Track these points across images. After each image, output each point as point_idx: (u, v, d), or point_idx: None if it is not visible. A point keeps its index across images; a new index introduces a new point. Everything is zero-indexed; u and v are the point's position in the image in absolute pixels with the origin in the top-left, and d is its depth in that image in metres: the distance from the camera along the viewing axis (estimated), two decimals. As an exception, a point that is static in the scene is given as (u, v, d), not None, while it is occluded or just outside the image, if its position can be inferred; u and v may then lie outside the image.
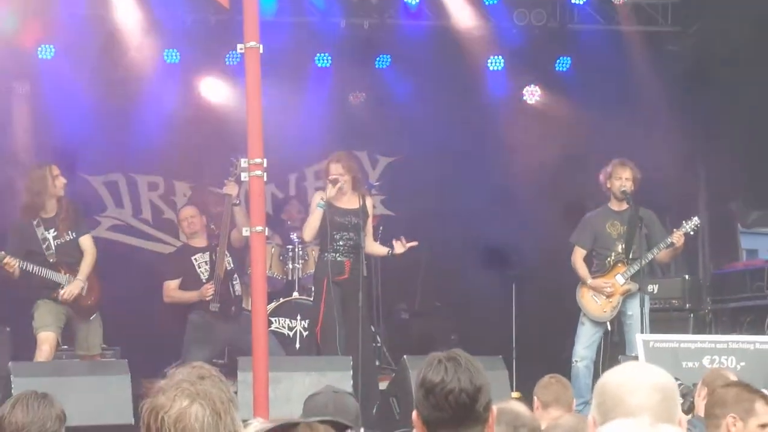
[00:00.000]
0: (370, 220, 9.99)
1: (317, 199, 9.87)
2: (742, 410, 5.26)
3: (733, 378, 6.57)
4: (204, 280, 10.48)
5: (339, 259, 9.78)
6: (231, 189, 10.23)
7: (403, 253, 9.94)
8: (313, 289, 10.36)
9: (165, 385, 3.11)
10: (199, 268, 10.62)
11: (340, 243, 9.81)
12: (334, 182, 9.69)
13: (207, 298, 10.32)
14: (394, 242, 9.99)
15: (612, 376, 3.32)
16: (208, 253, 10.62)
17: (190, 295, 10.51)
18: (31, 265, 9.51)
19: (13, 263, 9.38)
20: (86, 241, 9.84)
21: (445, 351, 3.42)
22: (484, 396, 3.38)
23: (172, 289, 10.63)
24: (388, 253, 9.99)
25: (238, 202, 10.17)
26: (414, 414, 3.43)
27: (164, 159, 12.68)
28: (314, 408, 4.73)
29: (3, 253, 9.41)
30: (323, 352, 9.66)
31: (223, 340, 10.62)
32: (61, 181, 9.65)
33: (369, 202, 10.06)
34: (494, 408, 3.42)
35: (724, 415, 5.24)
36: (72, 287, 9.60)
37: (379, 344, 11.94)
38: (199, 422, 3.04)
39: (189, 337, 10.41)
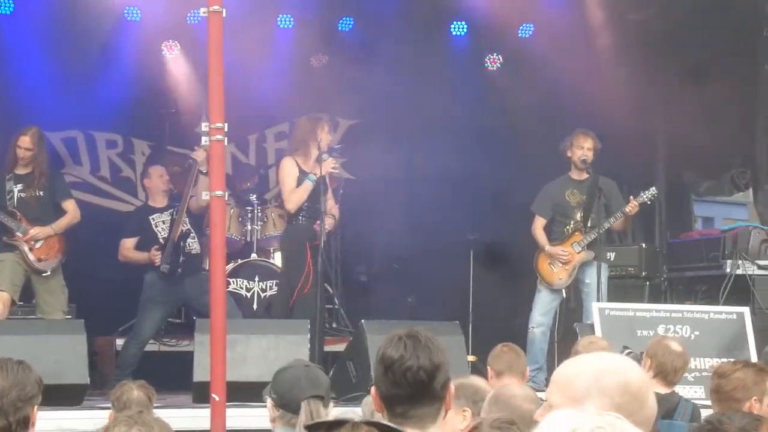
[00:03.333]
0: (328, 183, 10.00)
1: (288, 165, 9.81)
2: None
3: (678, 347, 6.50)
4: (161, 240, 10.45)
5: (308, 223, 9.79)
6: (199, 155, 10.01)
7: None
8: (280, 252, 10.32)
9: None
10: (156, 227, 10.58)
11: (311, 208, 9.81)
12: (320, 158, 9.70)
13: (155, 264, 10.29)
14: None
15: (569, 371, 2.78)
16: (168, 212, 10.58)
17: (142, 257, 10.48)
18: None
19: None
20: (70, 205, 9.98)
21: (406, 328, 3.44)
22: (442, 374, 3.39)
23: (127, 248, 10.61)
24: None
25: (205, 170, 9.92)
26: (372, 390, 3.45)
27: (123, 117, 12.59)
28: (286, 382, 4.69)
29: None
30: (297, 317, 9.58)
31: (178, 299, 10.63)
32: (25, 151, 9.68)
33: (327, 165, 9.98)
34: (452, 386, 3.43)
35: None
36: (42, 228, 9.64)
37: (336, 306, 11.97)
38: None
39: (144, 296, 10.40)
